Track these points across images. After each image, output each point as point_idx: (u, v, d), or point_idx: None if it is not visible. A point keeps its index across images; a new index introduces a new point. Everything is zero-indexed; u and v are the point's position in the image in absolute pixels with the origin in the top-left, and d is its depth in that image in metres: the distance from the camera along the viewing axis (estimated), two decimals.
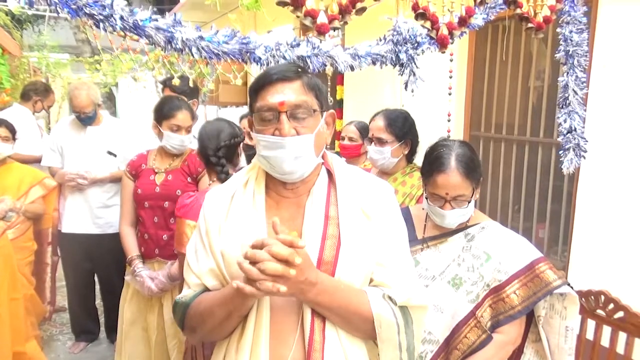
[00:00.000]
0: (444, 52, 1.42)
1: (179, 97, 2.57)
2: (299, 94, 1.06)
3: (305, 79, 1.08)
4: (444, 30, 1.24)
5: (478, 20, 1.58)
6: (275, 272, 0.92)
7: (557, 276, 1.46)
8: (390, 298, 1.08)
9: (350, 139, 2.69)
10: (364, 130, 2.56)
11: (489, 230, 1.55)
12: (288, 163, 1.06)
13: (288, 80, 1.07)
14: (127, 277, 2.41)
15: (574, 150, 2.14)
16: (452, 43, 1.33)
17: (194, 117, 2.45)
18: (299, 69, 1.10)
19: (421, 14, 1.20)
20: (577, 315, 1.49)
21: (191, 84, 2.81)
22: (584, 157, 2.16)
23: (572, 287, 1.48)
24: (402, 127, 2.09)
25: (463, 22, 1.26)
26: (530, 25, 1.39)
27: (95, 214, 3.03)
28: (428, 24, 1.22)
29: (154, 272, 2.28)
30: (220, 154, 1.88)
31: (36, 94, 3.91)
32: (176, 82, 2.91)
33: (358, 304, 1.06)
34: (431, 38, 1.29)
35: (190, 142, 2.46)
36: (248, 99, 1.14)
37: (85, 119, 3.00)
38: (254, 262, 0.93)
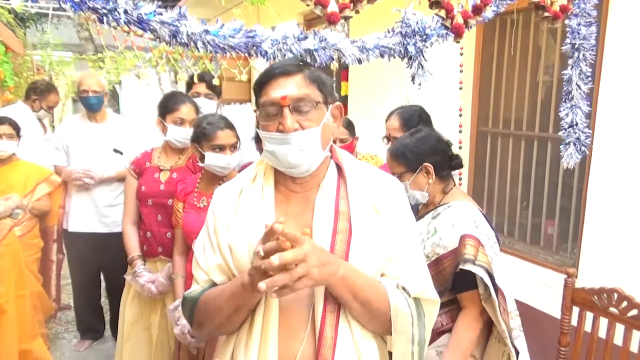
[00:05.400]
0: (459, 42, 1.39)
1: (184, 94, 2.54)
2: (300, 87, 1.05)
3: (307, 72, 1.08)
4: (459, 19, 1.21)
5: (487, 12, 1.54)
6: (287, 261, 0.91)
7: (472, 254, 1.48)
8: (404, 289, 1.08)
9: (342, 140, 2.59)
10: (350, 126, 2.50)
11: (451, 208, 1.64)
12: (293, 155, 1.05)
13: (289, 74, 1.06)
14: (127, 277, 2.39)
15: (574, 144, 2.10)
16: (468, 31, 1.30)
17: (198, 112, 2.43)
18: (301, 63, 1.10)
19: (435, 2, 1.17)
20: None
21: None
22: (585, 152, 2.13)
23: (491, 276, 1.48)
24: (417, 125, 2.05)
25: (478, 10, 1.23)
26: (546, 14, 1.36)
27: (102, 212, 3.01)
28: (442, 13, 1.19)
29: (154, 275, 2.27)
30: None
31: (35, 93, 3.87)
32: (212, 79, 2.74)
33: (377, 291, 1.05)
34: (446, 27, 1.26)
35: None
36: (253, 96, 1.14)
37: (93, 101, 2.95)
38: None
